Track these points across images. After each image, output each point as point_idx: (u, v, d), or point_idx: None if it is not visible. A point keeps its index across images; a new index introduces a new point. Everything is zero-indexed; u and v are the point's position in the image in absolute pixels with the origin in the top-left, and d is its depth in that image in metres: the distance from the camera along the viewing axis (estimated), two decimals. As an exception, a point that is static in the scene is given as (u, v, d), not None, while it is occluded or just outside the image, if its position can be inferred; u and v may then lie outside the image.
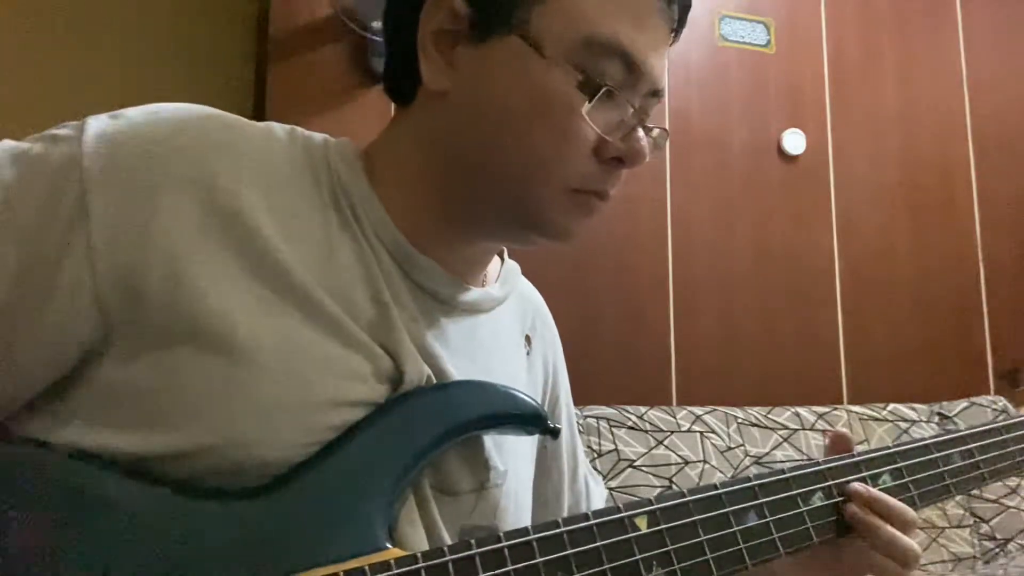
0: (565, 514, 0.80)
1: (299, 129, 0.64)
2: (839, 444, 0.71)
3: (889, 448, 0.70)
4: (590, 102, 0.58)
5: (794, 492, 0.63)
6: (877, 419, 2.06)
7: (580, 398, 0.88)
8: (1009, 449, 0.78)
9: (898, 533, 0.63)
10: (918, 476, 0.70)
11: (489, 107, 0.60)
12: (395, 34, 0.65)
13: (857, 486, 0.65)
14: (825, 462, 0.66)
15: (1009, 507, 2.00)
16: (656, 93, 0.63)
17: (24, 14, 2.09)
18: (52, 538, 0.46)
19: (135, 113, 0.55)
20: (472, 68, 0.60)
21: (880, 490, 0.66)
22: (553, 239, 0.63)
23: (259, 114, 2.01)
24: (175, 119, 0.56)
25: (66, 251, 0.50)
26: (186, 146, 0.54)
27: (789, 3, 2.48)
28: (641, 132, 0.61)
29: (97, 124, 0.53)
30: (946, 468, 0.73)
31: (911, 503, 0.68)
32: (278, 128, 0.62)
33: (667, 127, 2.30)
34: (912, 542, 0.63)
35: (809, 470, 0.65)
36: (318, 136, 0.64)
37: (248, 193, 0.55)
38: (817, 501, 0.64)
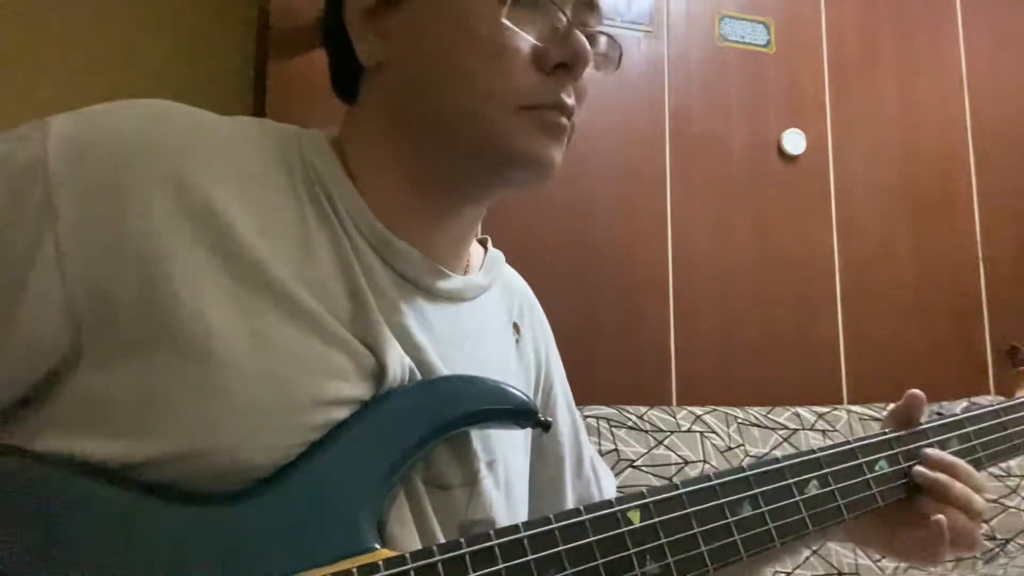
0: (571, 505, 0.78)
1: (269, 121, 0.63)
2: (909, 406, 0.75)
3: (887, 434, 0.71)
4: (506, 6, 0.57)
5: (789, 481, 0.63)
6: (877, 419, 2.06)
7: (580, 398, 0.88)
8: (1007, 432, 0.78)
9: (964, 486, 0.69)
10: (917, 462, 0.71)
11: (425, 55, 0.59)
12: (331, 36, 0.65)
13: (929, 451, 0.71)
14: (820, 450, 0.66)
15: (1009, 507, 2.00)
16: (589, 4, 0.61)
17: (24, 14, 2.09)
18: (28, 545, 0.45)
19: (101, 110, 0.54)
20: (402, 30, 0.60)
21: (878, 476, 0.68)
22: (525, 169, 0.60)
23: (259, 114, 2.01)
24: (142, 116, 0.54)
25: (33, 257, 0.48)
26: (154, 143, 0.52)
27: (789, 3, 2.48)
28: (579, 34, 0.59)
29: (62, 123, 0.51)
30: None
31: (899, 491, 0.70)
32: (248, 121, 0.61)
33: (667, 127, 2.31)
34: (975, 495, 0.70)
35: (803, 459, 0.65)
36: (290, 127, 0.63)
37: (220, 189, 0.53)
38: (813, 489, 0.63)
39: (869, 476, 0.67)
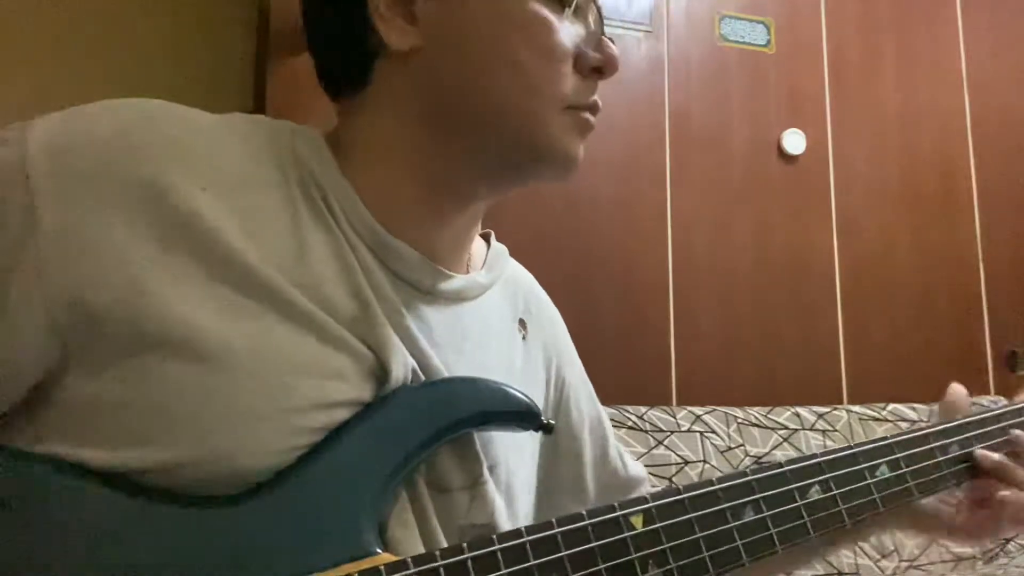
0: (592, 495, 0.78)
1: (263, 118, 0.62)
2: (953, 402, 0.80)
3: (887, 439, 0.70)
4: (564, 13, 0.60)
5: (792, 486, 0.62)
6: (877, 419, 2.06)
7: (580, 398, 0.88)
8: (1008, 437, 0.78)
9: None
10: (917, 466, 0.71)
11: (469, 46, 0.59)
12: (329, 22, 0.63)
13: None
14: (823, 454, 0.66)
15: (1009, 507, 2.00)
16: (600, 10, 0.66)
17: (24, 15, 2.09)
18: (25, 549, 0.44)
19: (84, 112, 0.52)
20: (439, 16, 0.59)
21: (879, 481, 0.68)
22: (560, 165, 0.63)
23: (259, 113, 2.01)
24: (127, 118, 0.52)
25: (14, 266, 0.46)
26: (139, 146, 0.51)
27: (789, 3, 2.48)
28: (609, 40, 0.64)
29: (44, 126, 0.50)
30: (943, 458, 0.73)
31: (909, 494, 0.69)
32: (240, 119, 0.59)
33: (667, 127, 2.31)
34: None
35: (807, 463, 0.64)
36: (283, 124, 0.62)
37: (206, 193, 0.51)
38: (814, 495, 0.63)
39: (871, 481, 0.67)
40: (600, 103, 0.64)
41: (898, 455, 0.70)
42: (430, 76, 0.60)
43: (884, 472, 0.68)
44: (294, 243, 0.55)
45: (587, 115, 0.63)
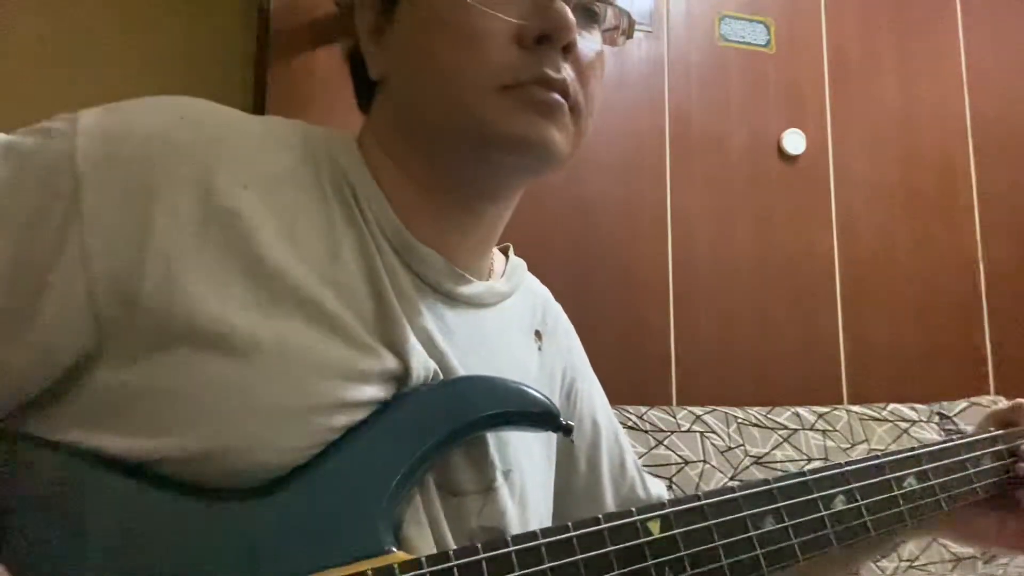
0: (612, 508, 0.78)
1: (300, 122, 0.63)
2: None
3: (915, 449, 0.70)
4: None
5: (814, 495, 0.61)
6: (877, 419, 2.06)
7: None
8: None
9: None
10: (945, 479, 0.71)
11: (412, 61, 0.60)
12: (353, 54, 0.67)
13: None
14: (847, 464, 0.65)
15: (1009, 507, 2.00)
16: None
17: (25, 14, 2.08)
18: (46, 539, 0.45)
19: (131, 106, 0.54)
20: (397, 42, 0.62)
21: (907, 492, 0.67)
22: (517, 152, 0.58)
23: (259, 114, 2.00)
24: (172, 114, 0.54)
25: (59, 252, 0.48)
26: (184, 143, 0.52)
27: (789, 3, 2.48)
28: (560, 3, 0.57)
29: (91, 118, 0.51)
30: (975, 470, 0.73)
31: (937, 506, 0.69)
32: (276, 121, 0.61)
33: (667, 127, 2.30)
34: None
35: (829, 472, 0.64)
36: (319, 128, 0.64)
37: (246, 192, 0.53)
38: (839, 504, 0.62)
39: (898, 492, 0.67)
40: (554, 74, 0.57)
41: (926, 466, 0.69)
42: (397, 98, 0.63)
43: (912, 484, 0.68)
44: (328, 242, 0.56)
45: (535, 91, 0.57)
